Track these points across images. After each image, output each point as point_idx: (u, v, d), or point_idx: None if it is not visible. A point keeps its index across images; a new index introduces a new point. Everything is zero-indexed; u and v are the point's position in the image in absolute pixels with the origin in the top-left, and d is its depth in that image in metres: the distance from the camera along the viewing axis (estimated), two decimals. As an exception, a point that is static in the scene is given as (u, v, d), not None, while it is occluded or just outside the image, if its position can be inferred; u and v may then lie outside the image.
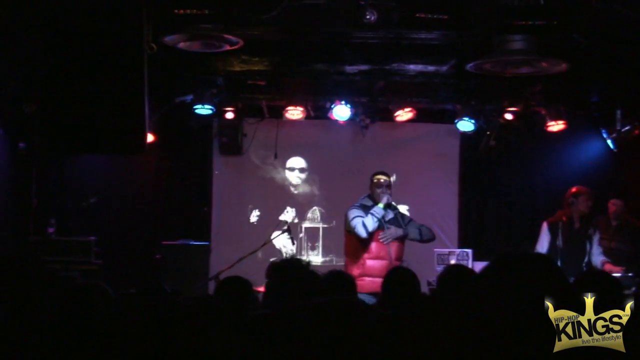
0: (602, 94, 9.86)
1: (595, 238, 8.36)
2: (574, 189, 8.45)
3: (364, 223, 7.83)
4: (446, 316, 2.10)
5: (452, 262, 8.66)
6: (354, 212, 7.92)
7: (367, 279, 7.66)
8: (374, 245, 7.91)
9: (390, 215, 7.93)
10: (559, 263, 8.19)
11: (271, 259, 7.29)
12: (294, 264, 4.18)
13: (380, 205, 7.87)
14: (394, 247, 7.83)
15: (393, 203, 8.04)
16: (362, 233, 7.84)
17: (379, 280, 7.70)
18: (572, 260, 8.16)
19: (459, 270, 5.14)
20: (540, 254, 2.24)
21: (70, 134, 6.42)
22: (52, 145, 6.82)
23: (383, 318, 3.25)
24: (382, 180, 8.03)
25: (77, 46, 6.30)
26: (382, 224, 7.84)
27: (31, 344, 3.10)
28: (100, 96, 6.29)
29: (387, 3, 6.64)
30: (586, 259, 8.27)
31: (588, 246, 8.33)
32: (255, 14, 6.49)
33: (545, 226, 8.51)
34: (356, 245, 7.96)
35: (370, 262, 7.87)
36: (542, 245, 8.45)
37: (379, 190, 7.95)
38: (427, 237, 8.12)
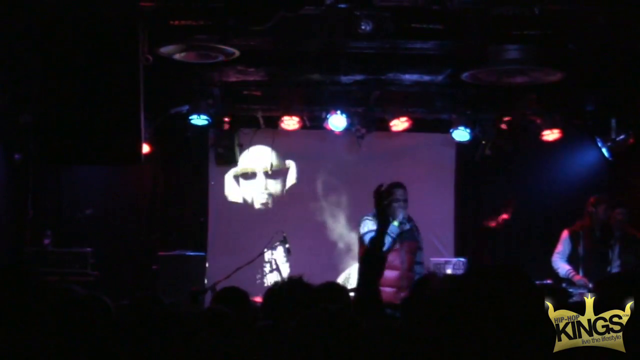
0: (597, 103, 9.88)
1: (617, 249, 8.32)
2: (592, 199, 8.41)
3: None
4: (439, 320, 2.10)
5: (449, 271, 8.66)
6: (366, 226, 7.73)
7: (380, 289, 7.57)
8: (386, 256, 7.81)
9: (407, 227, 7.69)
10: (580, 271, 8.20)
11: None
12: (291, 286, 4.11)
13: (395, 222, 7.69)
14: (407, 257, 7.73)
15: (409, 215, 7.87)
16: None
17: (390, 290, 7.68)
18: (594, 269, 8.12)
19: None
20: (514, 267, 2.20)
21: (66, 145, 6.41)
22: (47, 157, 6.80)
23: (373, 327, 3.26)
24: (398, 194, 7.68)
25: (72, 57, 6.30)
26: (396, 239, 7.72)
27: (27, 356, 3.09)
28: (96, 107, 6.29)
29: (383, 13, 6.66)
30: (609, 268, 8.20)
31: (611, 255, 8.28)
32: (250, 25, 6.50)
33: (566, 234, 8.45)
34: None
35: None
36: (564, 253, 8.40)
37: (395, 205, 7.74)
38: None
